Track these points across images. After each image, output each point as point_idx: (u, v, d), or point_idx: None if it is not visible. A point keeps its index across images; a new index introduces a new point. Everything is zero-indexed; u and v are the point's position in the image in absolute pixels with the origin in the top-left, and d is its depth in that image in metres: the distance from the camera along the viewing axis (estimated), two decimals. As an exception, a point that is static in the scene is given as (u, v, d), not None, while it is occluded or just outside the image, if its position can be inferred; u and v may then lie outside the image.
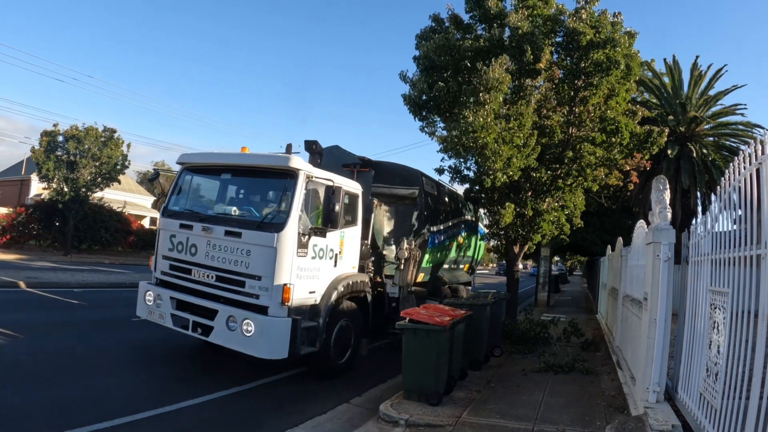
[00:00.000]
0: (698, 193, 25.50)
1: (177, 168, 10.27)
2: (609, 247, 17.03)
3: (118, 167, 32.36)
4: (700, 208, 26.21)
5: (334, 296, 9.15)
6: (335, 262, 9.43)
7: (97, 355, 9.36)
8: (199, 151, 10.75)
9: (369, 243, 11.07)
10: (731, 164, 5.12)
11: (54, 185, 30.83)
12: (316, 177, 8.85)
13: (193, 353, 10.20)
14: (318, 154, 10.81)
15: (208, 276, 8.66)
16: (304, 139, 10.83)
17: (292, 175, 8.56)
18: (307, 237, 8.52)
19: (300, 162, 8.66)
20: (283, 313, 8.03)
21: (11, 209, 34.43)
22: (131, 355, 9.78)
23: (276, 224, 8.28)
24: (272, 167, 8.93)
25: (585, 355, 11.75)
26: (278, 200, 8.78)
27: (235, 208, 9.43)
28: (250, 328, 7.91)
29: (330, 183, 8.94)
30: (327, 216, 8.67)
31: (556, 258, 55.84)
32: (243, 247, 8.35)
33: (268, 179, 9.34)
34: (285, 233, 8.14)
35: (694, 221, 26.09)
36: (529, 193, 14.41)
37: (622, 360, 9.73)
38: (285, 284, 8.05)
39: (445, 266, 15.46)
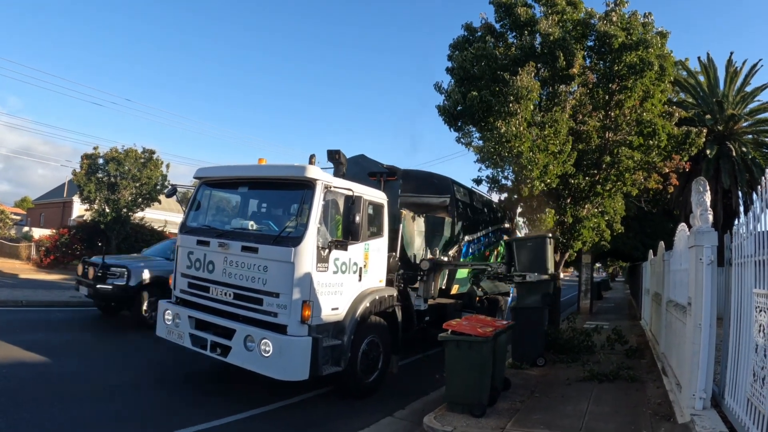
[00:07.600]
0: (739, 193, 24.96)
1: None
2: (651, 251, 16.77)
3: (158, 187, 32.74)
4: (742, 208, 25.67)
5: (359, 312, 8.70)
6: (360, 276, 9.02)
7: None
8: (216, 165, 10.35)
9: (398, 255, 10.52)
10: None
11: (96, 206, 31.30)
12: (334, 187, 8.43)
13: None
14: (341, 163, 10.29)
15: (225, 294, 8.40)
16: (327, 149, 10.34)
17: (308, 185, 8.16)
18: (327, 250, 8.14)
19: (316, 171, 8.24)
20: (303, 332, 7.66)
21: (54, 231, 35.28)
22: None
23: (293, 238, 7.89)
24: (288, 178, 8.59)
25: (630, 363, 11.53)
26: (295, 212, 8.33)
27: (252, 222, 9.14)
28: (267, 348, 7.56)
29: (350, 192, 8.35)
30: (348, 227, 8.19)
31: (598, 264, 54.99)
32: (260, 263, 8.01)
33: (285, 191, 8.98)
34: (302, 247, 7.75)
35: (736, 222, 25.65)
36: (568, 200, 14.30)
37: (668, 367, 9.56)
38: (304, 301, 7.68)
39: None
